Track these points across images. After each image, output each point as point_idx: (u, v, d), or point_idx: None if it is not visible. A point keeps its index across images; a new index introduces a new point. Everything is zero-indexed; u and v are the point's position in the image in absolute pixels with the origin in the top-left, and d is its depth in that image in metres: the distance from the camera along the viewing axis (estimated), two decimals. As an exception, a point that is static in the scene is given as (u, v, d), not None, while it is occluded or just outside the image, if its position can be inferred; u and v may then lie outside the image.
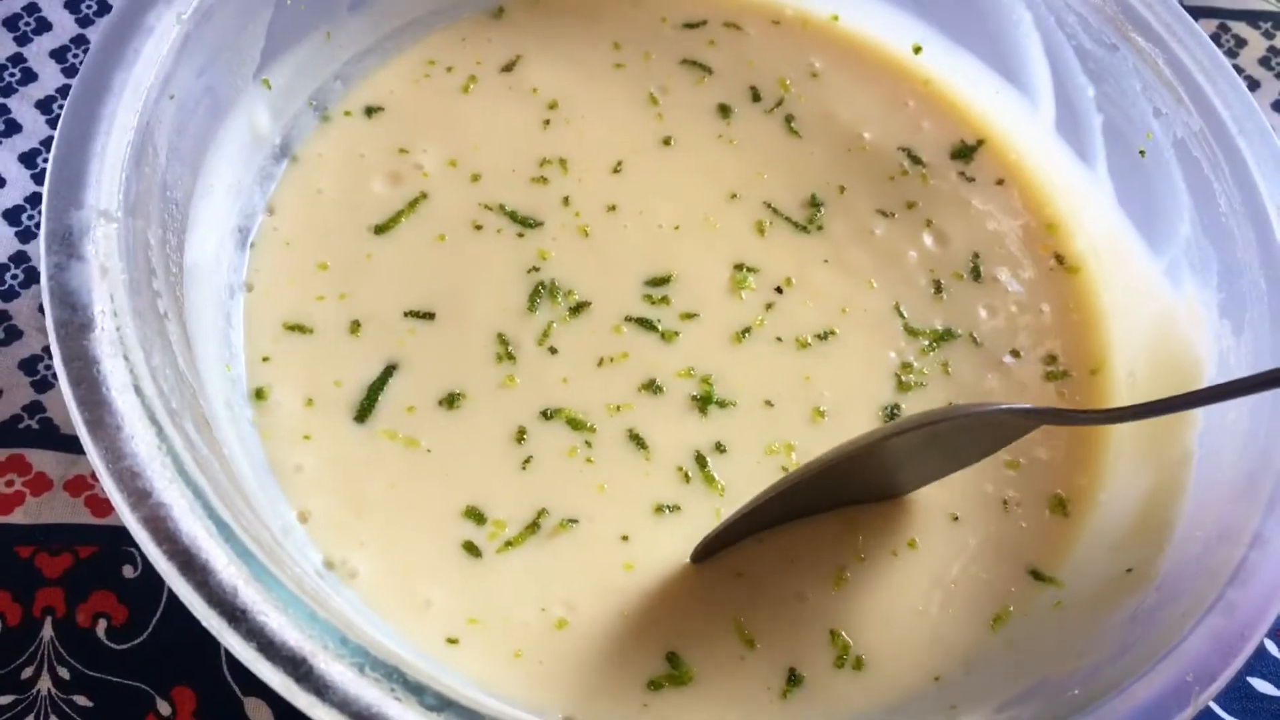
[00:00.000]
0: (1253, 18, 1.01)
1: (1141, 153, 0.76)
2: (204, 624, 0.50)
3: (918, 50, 0.86)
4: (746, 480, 0.68)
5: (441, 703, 0.50)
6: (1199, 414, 0.67)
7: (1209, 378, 0.69)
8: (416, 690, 0.50)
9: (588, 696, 0.61)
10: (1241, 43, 1.00)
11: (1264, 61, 0.99)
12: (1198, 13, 1.00)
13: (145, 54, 0.61)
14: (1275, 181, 0.69)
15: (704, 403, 0.71)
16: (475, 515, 0.66)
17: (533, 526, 0.66)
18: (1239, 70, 0.99)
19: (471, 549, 0.65)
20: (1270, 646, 0.75)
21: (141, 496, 0.51)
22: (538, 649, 0.62)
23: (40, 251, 0.55)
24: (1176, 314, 0.73)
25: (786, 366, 0.73)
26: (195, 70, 0.64)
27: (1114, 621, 0.61)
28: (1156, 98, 0.74)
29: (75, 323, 0.54)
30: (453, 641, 0.62)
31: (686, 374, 0.71)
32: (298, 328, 0.70)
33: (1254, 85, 0.98)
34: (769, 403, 0.71)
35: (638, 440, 0.69)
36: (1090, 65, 0.78)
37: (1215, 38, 1.00)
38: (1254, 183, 0.69)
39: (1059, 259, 0.80)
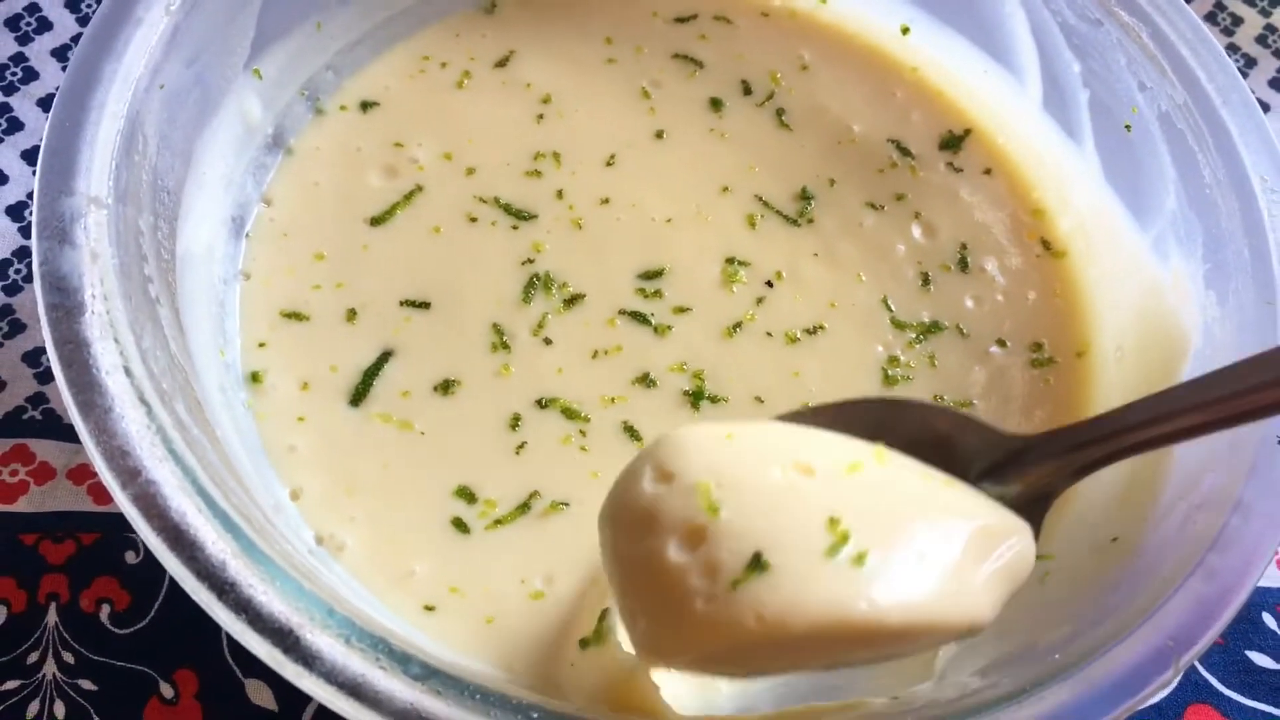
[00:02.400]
0: (1249, -5, 1.01)
1: (1127, 127, 0.76)
2: (194, 598, 0.51)
3: (905, 31, 0.86)
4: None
5: (426, 672, 0.50)
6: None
7: (1195, 348, 0.69)
8: (402, 660, 0.51)
9: (532, 653, 0.62)
10: (1238, 20, 1.00)
11: (1260, 39, 0.99)
12: (1194, -9, 1.00)
13: (135, 44, 0.62)
14: (1258, 151, 0.69)
15: (696, 398, 0.71)
16: (466, 495, 0.67)
17: (523, 507, 0.67)
18: (1235, 48, 0.99)
19: (460, 525, 0.66)
20: (1268, 620, 0.75)
21: (131, 475, 0.52)
22: (509, 616, 0.63)
23: (32, 238, 0.56)
24: (1163, 287, 0.73)
25: (776, 362, 0.73)
26: (185, 60, 0.65)
27: (1099, 589, 0.61)
28: (1141, 71, 0.74)
29: (66, 306, 0.55)
30: (430, 608, 0.63)
31: (679, 368, 0.72)
32: (294, 315, 0.72)
33: (1251, 62, 0.98)
34: (759, 399, 0.72)
35: (631, 431, 0.70)
36: (1075, 41, 0.78)
37: (1211, 16, 1.00)
38: (1238, 153, 0.69)
39: (1045, 245, 0.80)
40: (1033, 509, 0.58)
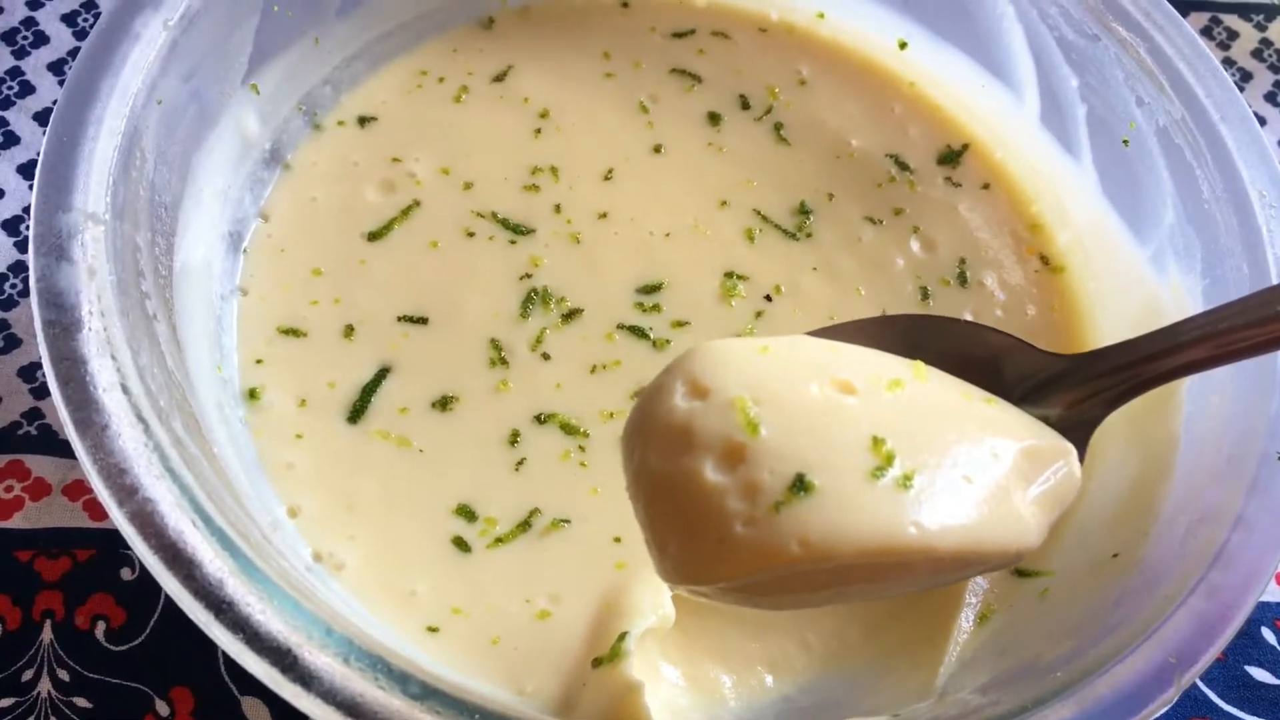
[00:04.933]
0: (1244, 10, 1.01)
1: (1125, 142, 0.76)
2: (191, 617, 0.50)
3: (903, 46, 0.86)
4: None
5: (425, 691, 0.50)
6: (1184, 399, 0.67)
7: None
8: (401, 680, 0.50)
9: (543, 674, 0.62)
10: (1234, 35, 1.00)
11: (1256, 54, 1.00)
12: (1189, 6, 1.01)
13: (132, 60, 0.62)
14: (1256, 167, 0.70)
15: None
16: (466, 513, 0.66)
17: (524, 525, 0.66)
18: (1231, 63, 0.99)
19: (461, 544, 0.65)
20: (1268, 635, 0.75)
21: (129, 492, 0.52)
22: (515, 636, 0.63)
23: (29, 254, 0.56)
24: (1162, 301, 0.73)
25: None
26: (182, 76, 0.65)
27: (1099, 605, 0.61)
28: (1139, 87, 0.74)
29: (63, 323, 0.55)
30: (433, 629, 0.63)
31: None
32: (292, 331, 0.71)
33: (1247, 77, 0.98)
34: None
35: None
36: (1073, 56, 0.78)
37: (1207, 30, 1.00)
38: (1236, 168, 0.70)
39: (1044, 259, 0.80)
40: (1073, 437, 0.56)
